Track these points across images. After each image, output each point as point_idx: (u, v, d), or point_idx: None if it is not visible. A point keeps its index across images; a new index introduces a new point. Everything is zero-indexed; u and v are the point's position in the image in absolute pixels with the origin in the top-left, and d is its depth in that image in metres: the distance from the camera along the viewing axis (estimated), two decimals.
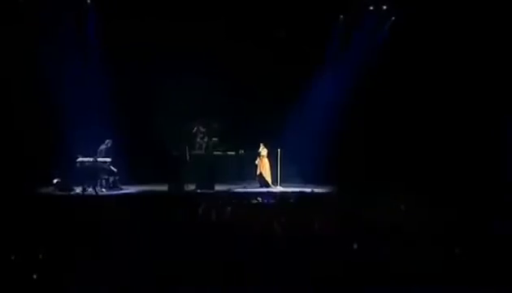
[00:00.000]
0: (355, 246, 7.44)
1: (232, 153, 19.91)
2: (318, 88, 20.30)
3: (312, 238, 7.97)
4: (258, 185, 19.26)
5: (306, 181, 19.27)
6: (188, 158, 18.77)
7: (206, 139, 19.64)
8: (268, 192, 17.47)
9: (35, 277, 6.36)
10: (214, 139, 19.54)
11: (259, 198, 13.57)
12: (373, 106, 19.75)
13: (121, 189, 18.17)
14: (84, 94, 19.31)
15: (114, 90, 19.37)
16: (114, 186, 18.18)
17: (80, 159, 17.92)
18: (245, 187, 18.29)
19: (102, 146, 18.17)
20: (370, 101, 19.76)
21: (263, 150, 19.32)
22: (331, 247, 7.43)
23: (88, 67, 19.58)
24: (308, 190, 17.06)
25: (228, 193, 17.02)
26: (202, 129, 19.34)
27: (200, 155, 19.30)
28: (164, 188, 17.93)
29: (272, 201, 13.13)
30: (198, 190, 18.06)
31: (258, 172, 19.35)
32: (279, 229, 8.78)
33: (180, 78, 19.82)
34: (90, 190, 17.48)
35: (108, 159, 18.05)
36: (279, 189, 18.79)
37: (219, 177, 19.24)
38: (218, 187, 18.51)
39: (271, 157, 19.32)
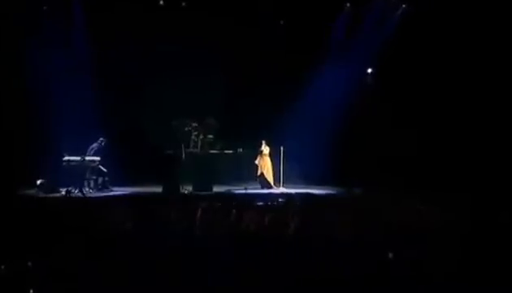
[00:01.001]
0: (391, 255, 7.02)
1: (230, 151, 19.10)
2: (323, 80, 19.58)
3: (333, 243, 7.61)
4: (259, 186, 18.59)
5: (309, 182, 18.68)
6: (183, 156, 18.13)
7: (201, 136, 18.91)
8: (270, 193, 16.82)
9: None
10: (209, 136, 18.86)
11: (280, 200, 12.54)
12: (383, 100, 19.11)
13: (111, 190, 17.50)
14: (72, 90, 18.86)
15: (103, 87, 19.04)
16: (103, 187, 17.56)
17: (66, 158, 17.25)
18: (245, 189, 17.59)
19: (95, 145, 17.68)
20: (381, 94, 19.20)
21: (266, 149, 18.61)
22: (354, 251, 7.21)
23: (76, 62, 19.23)
24: (314, 191, 16.26)
25: (241, 194, 16.47)
26: (194, 124, 18.71)
27: (196, 153, 18.60)
28: (158, 189, 17.25)
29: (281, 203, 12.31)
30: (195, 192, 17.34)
31: (258, 173, 18.67)
32: (292, 233, 8.33)
33: (173, 72, 19.48)
34: (76, 192, 16.79)
35: (97, 158, 17.46)
36: (281, 190, 18.00)
37: (216, 177, 18.67)
38: (216, 188, 17.91)
39: (273, 156, 18.75)
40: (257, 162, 18.70)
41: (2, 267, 6.74)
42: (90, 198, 16.02)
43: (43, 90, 18.46)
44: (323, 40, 19.88)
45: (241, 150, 19.32)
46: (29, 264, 6.82)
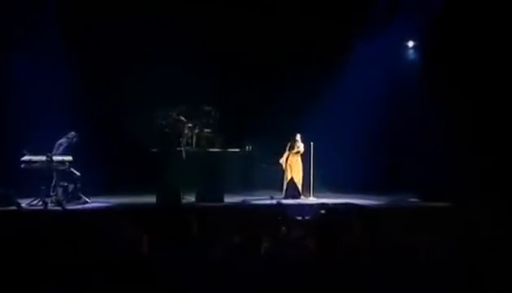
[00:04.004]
0: None
1: (235, 150, 18.50)
2: (360, 61, 18.00)
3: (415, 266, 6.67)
4: (283, 195, 16.38)
5: (341, 190, 17.02)
6: (184, 156, 17.42)
7: (196, 130, 18.41)
8: (300, 205, 15.04)
9: None
10: (206, 130, 18.46)
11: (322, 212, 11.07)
12: (444, 84, 17.71)
13: (86, 201, 15.63)
14: (35, 75, 17.89)
15: (74, 71, 17.89)
16: (74, 197, 15.66)
17: (27, 157, 15.41)
18: (272, 198, 15.68)
19: (63, 140, 15.85)
20: (434, 78, 17.83)
21: (300, 145, 16.38)
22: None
23: (44, 47, 18.02)
24: (356, 201, 14.24)
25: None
26: (182, 118, 18.30)
27: (193, 152, 17.99)
28: (151, 200, 15.44)
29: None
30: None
31: (288, 176, 16.40)
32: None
33: (161, 49, 18.35)
34: (40, 204, 14.93)
35: (68, 158, 15.52)
36: (312, 200, 15.97)
37: (223, 183, 17.30)
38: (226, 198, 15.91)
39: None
40: (282, 161, 16.64)
41: None
42: (57, 211, 14.51)
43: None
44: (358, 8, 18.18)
45: (250, 147, 18.63)
46: None
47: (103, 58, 18.25)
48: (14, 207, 14.52)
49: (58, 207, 14.96)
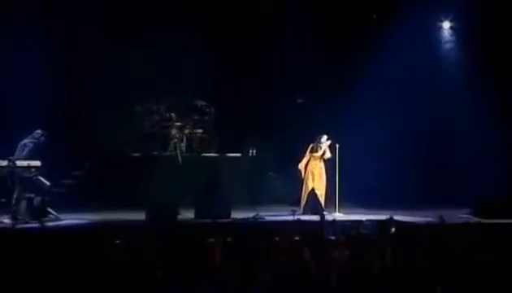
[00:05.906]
0: None
1: (236, 154, 17.67)
2: (392, 47, 16.90)
3: None
4: (301, 209, 14.77)
5: (369, 205, 15.70)
6: (180, 160, 16.53)
7: (186, 131, 17.62)
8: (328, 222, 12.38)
9: None
10: (199, 131, 17.77)
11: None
12: (490, 75, 16.82)
13: (56, 218, 14.11)
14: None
15: (38, 58, 16.66)
16: (41, 213, 13.98)
17: None
18: (293, 212, 13.67)
19: (27, 141, 14.48)
20: (483, 67, 16.78)
21: (327, 149, 14.79)
22: None
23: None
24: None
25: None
26: (168, 115, 17.68)
27: (187, 158, 16.98)
28: (139, 216, 13.83)
29: None
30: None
31: (309, 186, 14.86)
32: None
33: (142, 30, 17.71)
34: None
35: (35, 163, 14.11)
36: (337, 217, 14.20)
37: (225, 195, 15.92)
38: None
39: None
40: (301, 167, 15.13)
41: None
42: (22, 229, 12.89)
43: None
44: None
45: (254, 151, 17.80)
46: None
47: (76, 43, 17.44)
48: None
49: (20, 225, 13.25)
